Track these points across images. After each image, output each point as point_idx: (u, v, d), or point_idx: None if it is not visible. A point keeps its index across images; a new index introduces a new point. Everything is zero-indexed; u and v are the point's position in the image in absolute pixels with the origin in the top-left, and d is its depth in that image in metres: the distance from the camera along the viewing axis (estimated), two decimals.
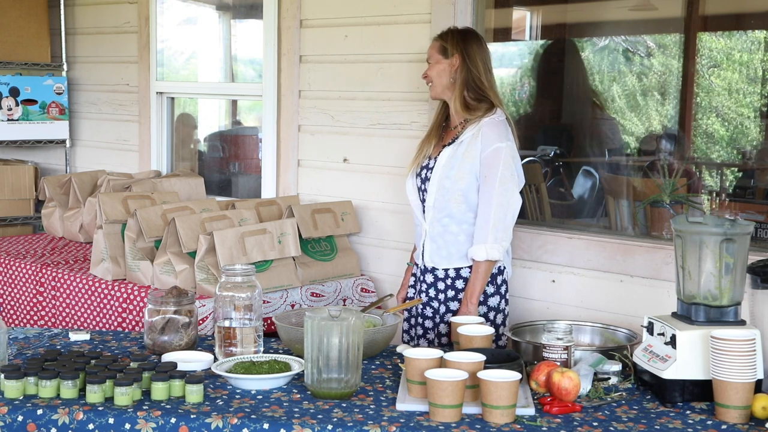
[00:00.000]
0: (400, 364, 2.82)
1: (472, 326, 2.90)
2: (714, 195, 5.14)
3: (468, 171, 3.31)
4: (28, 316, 4.26)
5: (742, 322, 2.57)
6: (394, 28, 4.13)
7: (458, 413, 2.36)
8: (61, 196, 4.97)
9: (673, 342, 2.53)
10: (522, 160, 3.47)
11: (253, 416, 2.35)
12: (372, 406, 2.46)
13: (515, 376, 2.36)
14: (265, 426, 2.31)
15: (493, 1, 4.58)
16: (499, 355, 2.62)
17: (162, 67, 5.30)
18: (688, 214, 3.26)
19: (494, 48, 4.26)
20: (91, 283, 3.97)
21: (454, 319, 3.04)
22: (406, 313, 3.53)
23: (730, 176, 5.35)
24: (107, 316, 3.88)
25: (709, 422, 2.37)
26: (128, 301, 3.81)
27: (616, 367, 2.69)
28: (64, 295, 4.08)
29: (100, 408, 2.40)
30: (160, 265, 3.79)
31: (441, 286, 3.40)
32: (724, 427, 2.34)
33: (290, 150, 4.52)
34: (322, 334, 2.51)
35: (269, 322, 3.61)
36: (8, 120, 5.46)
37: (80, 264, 4.29)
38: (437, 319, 3.40)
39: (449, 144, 3.38)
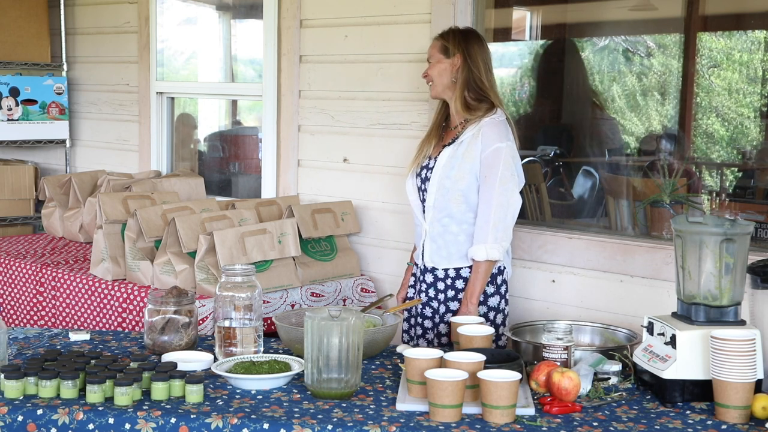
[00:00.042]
0: (400, 364, 2.82)
1: (472, 326, 2.90)
2: (714, 195, 5.13)
3: (468, 171, 3.30)
4: (28, 316, 4.26)
5: (742, 322, 2.57)
6: (394, 28, 4.12)
7: (458, 413, 2.36)
8: (61, 196, 4.96)
9: (673, 342, 2.53)
10: (522, 160, 3.47)
11: (253, 416, 2.35)
12: (372, 406, 2.46)
13: (515, 376, 2.36)
14: (265, 426, 2.31)
15: (493, 1, 4.58)
16: (499, 355, 2.62)
17: (162, 67, 5.30)
18: (688, 214, 3.26)
19: (494, 48, 4.25)
20: (91, 283, 3.97)
21: (454, 319, 3.04)
22: (405, 313, 3.53)
23: (730, 176, 5.35)
24: (107, 316, 3.88)
25: (709, 422, 2.37)
26: (128, 301, 3.81)
27: (616, 367, 2.69)
28: (64, 295, 4.07)
29: (100, 408, 2.40)
30: (160, 265, 3.79)
31: (441, 286, 3.39)
32: (724, 427, 2.34)
33: (290, 150, 4.52)
34: (322, 334, 2.51)
35: (269, 322, 3.61)
36: (8, 120, 5.46)
37: (80, 264, 4.29)
38: (437, 319, 3.40)
39: (449, 144, 3.38)
